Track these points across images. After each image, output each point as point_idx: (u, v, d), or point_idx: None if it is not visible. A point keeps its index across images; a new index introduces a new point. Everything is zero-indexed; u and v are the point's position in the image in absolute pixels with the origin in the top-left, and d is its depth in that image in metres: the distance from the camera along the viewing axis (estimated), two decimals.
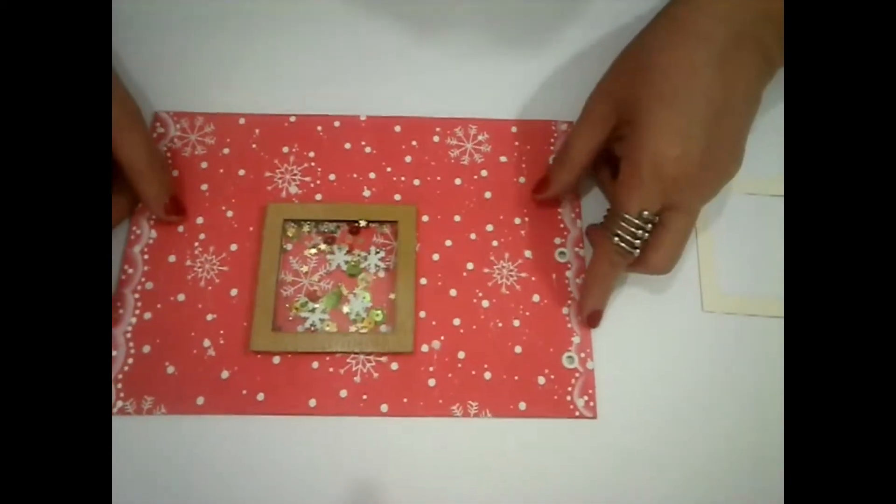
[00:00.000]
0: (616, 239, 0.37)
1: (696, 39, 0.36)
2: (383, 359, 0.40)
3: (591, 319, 0.40)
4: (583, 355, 0.40)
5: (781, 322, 0.41)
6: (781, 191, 0.44)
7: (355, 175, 0.44)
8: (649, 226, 0.37)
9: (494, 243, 0.42)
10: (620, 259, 0.38)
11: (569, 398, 0.39)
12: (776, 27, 0.37)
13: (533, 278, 0.42)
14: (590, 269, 0.40)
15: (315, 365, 0.39)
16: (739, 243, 0.43)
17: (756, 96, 0.38)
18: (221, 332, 0.40)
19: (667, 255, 0.38)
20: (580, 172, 0.40)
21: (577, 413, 0.39)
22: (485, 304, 0.41)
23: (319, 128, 0.45)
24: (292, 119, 0.45)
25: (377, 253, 0.42)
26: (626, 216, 0.37)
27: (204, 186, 0.43)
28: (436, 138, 0.45)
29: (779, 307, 0.41)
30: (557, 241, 0.43)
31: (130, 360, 0.39)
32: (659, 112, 0.36)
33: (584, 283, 0.41)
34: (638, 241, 0.37)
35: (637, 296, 0.42)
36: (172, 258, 0.42)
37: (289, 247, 0.42)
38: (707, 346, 0.40)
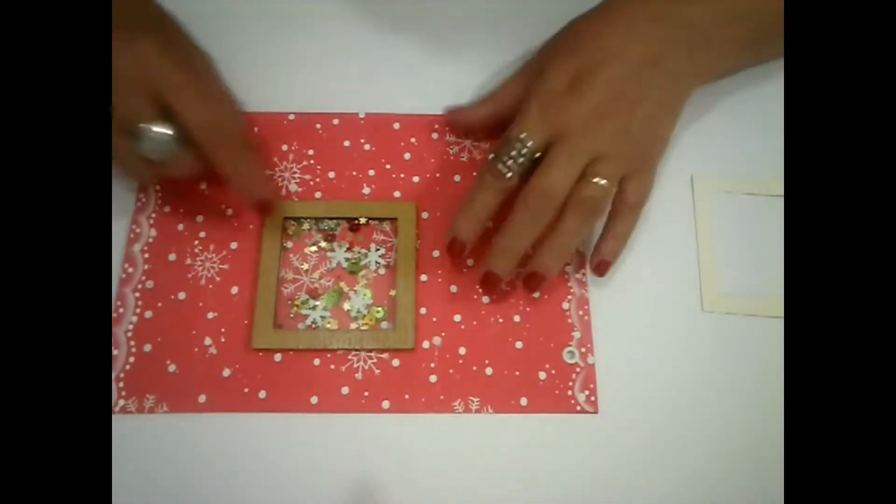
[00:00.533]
0: (491, 156, 0.38)
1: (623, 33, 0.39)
2: (384, 355, 0.40)
3: (451, 248, 0.39)
4: (583, 350, 0.40)
5: (781, 322, 0.41)
6: (781, 191, 0.44)
7: (355, 172, 0.44)
8: (525, 151, 0.37)
9: None
10: (492, 180, 0.38)
11: (570, 393, 0.39)
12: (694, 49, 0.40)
13: None
14: (467, 194, 0.39)
15: (316, 362, 0.40)
16: (739, 243, 0.43)
17: (665, 102, 0.40)
18: (222, 330, 0.40)
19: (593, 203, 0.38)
20: (493, 112, 0.42)
21: (578, 408, 0.39)
22: (485, 300, 0.41)
23: (318, 126, 0.45)
24: (291, 117, 0.45)
25: (377, 250, 0.42)
26: (507, 137, 0.38)
27: (204, 185, 0.43)
28: (435, 135, 0.45)
29: (779, 307, 0.41)
30: None
31: (132, 359, 0.39)
32: (564, 57, 0.39)
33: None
34: (510, 162, 0.37)
35: (637, 295, 0.42)
36: (173, 257, 0.42)
37: (289, 244, 0.42)
38: (707, 346, 0.41)
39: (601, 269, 0.40)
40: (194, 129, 0.36)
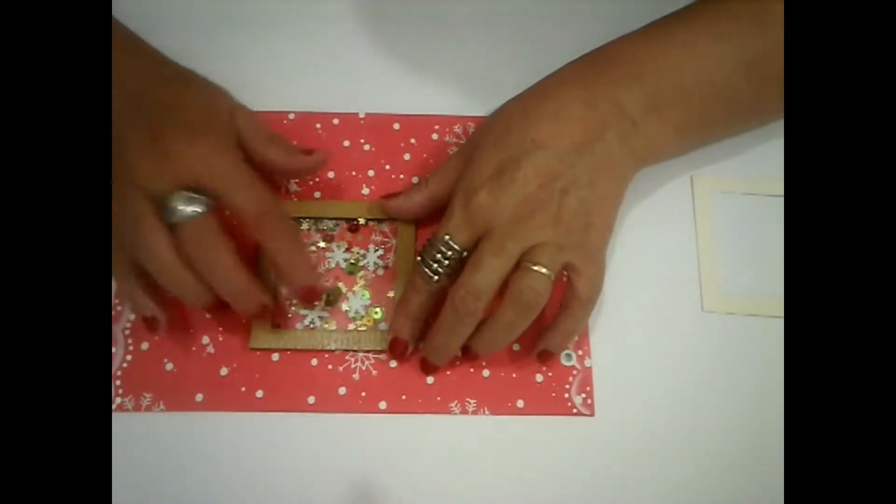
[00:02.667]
0: (419, 259, 0.37)
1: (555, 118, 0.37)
2: (382, 356, 0.40)
3: (393, 348, 0.38)
4: (581, 353, 0.40)
5: (781, 322, 0.41)
6: (781, 191, 0.44)
7: (354, 173, 0.44)
8: (451, 253, 0.36)
9: None
10: (422, 283, 0.37)
11: (566, 396, 0.39)
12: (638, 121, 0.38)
13: None
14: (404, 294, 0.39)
15: (314, 362, 0.39)
16: (739, 243, 0.43)
17: (606, 178, 0.37)
18: (220, 329, 0.40)
19: (531, 291, 0.35)
20: (427, 200, 0.40)
21: (574, 410, 0.39)
22: None
23: (318, 125, 0.45)
24: (291, 116, 0.45)
25: (376, 251, 0.42)
26: (433, 239, 0.37)
27: None
28: (434, 136, 0.45)
29: (779, 307, 0.41)
30: None
31: (129, 357, 0.39)
32: (490, 148, 0.37)
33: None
34: (435, 265, 0.36)
35: (637, 296, 0.41)
36: None
37: None
38: (707, 346, 0.40)
39: (543, 358, 0.39)
40: (249, 217, 0.35)
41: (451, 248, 0.36)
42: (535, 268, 0.35)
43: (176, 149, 0.35)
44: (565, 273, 0.37)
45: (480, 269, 0.35)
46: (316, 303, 0.39)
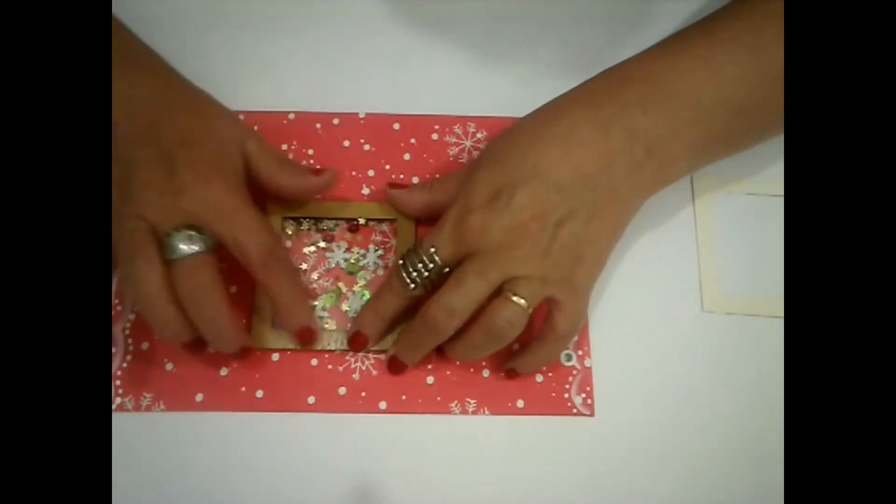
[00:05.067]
0: (400, 262, 0.37)
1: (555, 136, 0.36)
2: (382, 356, 0.40)
3: (353, 340, 0.39)
4: (580, 353, 0.40)
5: (781, 322, 0.41)
6: (781, 191, 0.44)
7: (354, 173, 0.44)
8: (432, 265, 0.35)
9: None
10: (398, 286, 0.37)
11: (566, 396, 0.39)
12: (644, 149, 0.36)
13: None
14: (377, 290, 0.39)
15: (314, 362, 0.39)
16: (739, 243, 0.43)
17: (605, 211, 0.36)
18: None
19: (504, 320, 0.35)
20: (427, 203, 0.40)
21: (574, 410, 0.39)
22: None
23: (318, 125, 0.45)
24: (291, 116, 0.45)
25: (376, 251, 0.42)
26: (417, 247, 0.36)
27: None
28: (434, 136, 0.45)
29: (779, 307, 0.41)
30: None
31: (129, 357, 0.39)
32: (491, 167, 0.36)
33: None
34: (415, 274, 0.36)
35: (637, 296, 0.41)
36: None
37: (288, 244, 0.42)
38: (707, 346, 0.40)
39: (510, 375, 0.39)
40: (255, 260, 0.36)
41: (433, 261, 0.36)
42: (514, 298, 0.34)
43: (190, 188, 0.35)
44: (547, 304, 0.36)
45: (459, 289, 0.35)
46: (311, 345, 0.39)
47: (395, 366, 0.39)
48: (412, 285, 0.36)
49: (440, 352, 0.39)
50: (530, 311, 0.35)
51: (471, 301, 0.35)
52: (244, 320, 0.40)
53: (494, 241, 0.35)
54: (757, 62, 0.37)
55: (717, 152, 0.40)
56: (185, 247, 0.34)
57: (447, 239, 0.36)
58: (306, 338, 0.38)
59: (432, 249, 0.36)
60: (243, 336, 0.37)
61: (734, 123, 0.38)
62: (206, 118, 0.39)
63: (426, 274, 0.36)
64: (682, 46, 0.38)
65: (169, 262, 0.34)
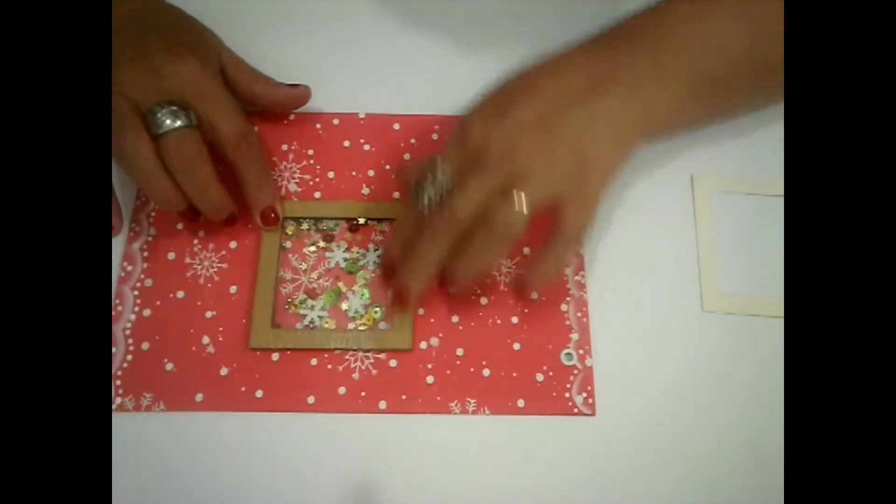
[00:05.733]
0: (415, 181, 0.37)
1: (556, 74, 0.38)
2: (382, 356, 0.40)
3: (383, 267, 0.41)
4: (581, 352, 0.40)
5: (781, 322, 0.41)
6: (781, 191, 0.44)
7: (354, 173, 0.44)
8: (433, 178, 0.36)
9: None
10: (413, 200, 0.37)
11: (567, 395, 0.39)
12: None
13: None
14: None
15: (314, 362, 0.39)
16: (739, 243, 0.43)
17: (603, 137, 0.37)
18: (220, 329, 0.40)
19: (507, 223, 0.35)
20: None
21: (575, 410, 0.39)
22: (483, 301, 0.41)
23: (318, 125, 0.45)
24: (291, 117, 0.45)
25: (376, 250, 0.42)
26: (424, 170, 0.37)
27: None
28: (434, 136, 0.45)
29: (779, 307, 0.41)
30: None
31: (129, 357, 0.39)
32: (496, 93, 0.38)
33: None
34: (419, 189, 0.36)
35: (637, 296, 0.41)
36: (171, 255, 0.42)
37: (288, 244, 0.42)
38: (707, 346, 0.40)
39: (518, 292, 0.40)
40: (229, 140, 0.38)
41: (443, 175, 0.36)
42: (515, 198, 0.35)
43: (163, 65, 0.37)
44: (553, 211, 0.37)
45: (462, 189, 0.35)
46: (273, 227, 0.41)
47: (399, 295, 0.39)
48: (417, 200, 0.36)
49: (442, 285, 0.39)
50: (532, 211, 0.35)
51: (474, 201, 0.35)
52: (244, 320, 0.40)
53: (495, 147, 0.36)
54: (741, 23, 0.39)
55: (711, 104, 0.42)
56: (170, 121, 0.36)
57: (453, 154, 0.37)
58: (269, 219, 0.41)
59: (440, 160, 0.36)
60: (231, 204, 0.40)
61: (722, 77, 0.40)
62: (189, 21, 0.42)
63: (431, 190, 0.36)
64: (668, 8, 0.40)
65: (156, 137, 0.36)
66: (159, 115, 0.36)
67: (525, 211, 0.35)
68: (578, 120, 0.37)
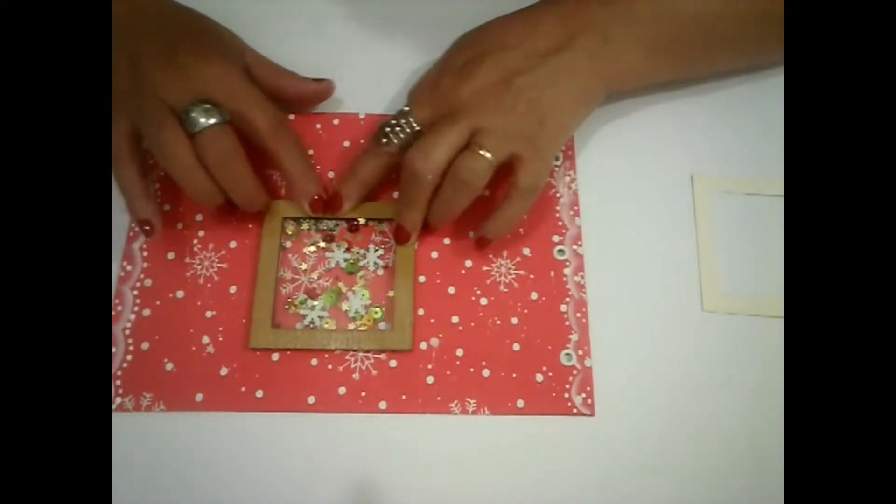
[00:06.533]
0: (379, 125, 0.40)
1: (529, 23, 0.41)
2: (382, 356, 0.40)
3: (331, 201, 0.41)
4: (581, 353, 0.40)
5: (781, 322, 0.41)
6: (781, 191, 0.44)
7: None
8: (405, 123, 0.39)
9: None
10: (374, 145, 0.40)
11: (567, 395, 0.39)
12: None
13: (531, 276, 0.42)
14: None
15: (314, 362, 0.39)
16: (739, 243, 0.43)
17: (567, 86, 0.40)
18: (220, 329, 0.40)
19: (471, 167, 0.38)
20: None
21: (574, 410, 0.39)
22: (483, 301, 0.41)
23: (318, 126, 0.45)
24: (291, 117, 0.45)
25: (376, 251, 0.42)
26: (394, 114, 0.40)
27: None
28: None
29: (779, 307, 0.41)
30: (556, 238, 0.43)
31: (129, 357, 0.39)
32: (464, 47, 0.41)
33: None
34: (388, 130, 0.39)
35: (637, 296, 0.41)
36: (171, 255, 0.42)
37: (288, 244, 0.42)
38: (707, 346, 0.40)
39: (480, 244, 0.41)
40: (265, 133, 0.39)
41: (407, 121, 0.39)
42: (480, 151, 0.37)
43: (192, 67, 0.38)
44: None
45: (432, 135, 0.38)
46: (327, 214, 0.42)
47: (399, 232, 0.41)
48: (384, 140, 0.39)
49: (427, 226, 0.41)
50: (494, 163, 0.37)
51: (442, 149, 0.38)
52: (244, 320, 0.40)
53: (464, 98, 0.39)
54: None
55: (677, 61, 0.43)
56: (204, 119, 0.37)
57: (422, 101, 0.40)
58: (319, 206, 0.41)
59: (406, 109, 0.40)
60: (266, 196, 0.41)
61: (689, 33, 0.42)
62: (211, 22, 0.43)
63: (399, 131, 0.39)
64: None
65: (192, 136, 0.37)
66: (193, 114, 0.37)
67: (489, 164, 0.37)
68: (542, 78, 0.39)
